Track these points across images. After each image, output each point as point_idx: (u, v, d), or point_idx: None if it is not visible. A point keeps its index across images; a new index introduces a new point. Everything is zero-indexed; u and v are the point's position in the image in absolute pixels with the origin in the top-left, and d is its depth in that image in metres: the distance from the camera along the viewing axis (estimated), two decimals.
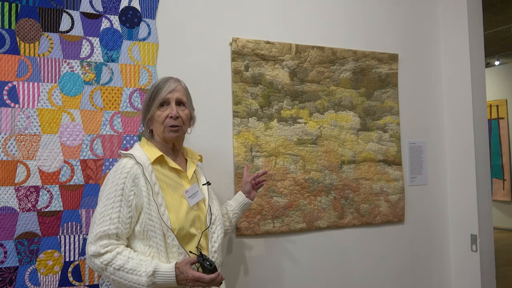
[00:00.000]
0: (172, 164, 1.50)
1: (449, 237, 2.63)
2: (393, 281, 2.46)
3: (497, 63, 6.83)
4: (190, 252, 1.41)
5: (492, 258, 2.52)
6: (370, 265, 2.40)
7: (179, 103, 1.51)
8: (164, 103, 1.49)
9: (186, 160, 1.62)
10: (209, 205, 1.54)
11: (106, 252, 1.34)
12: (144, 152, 1.47)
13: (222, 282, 1.39)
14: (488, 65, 6.82)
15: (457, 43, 2.58)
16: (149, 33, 1.97)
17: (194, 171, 1.60)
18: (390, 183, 2.45)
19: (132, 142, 1.91)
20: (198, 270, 1.37)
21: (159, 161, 1.48)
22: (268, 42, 2.18)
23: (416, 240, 2.54)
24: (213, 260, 1.46)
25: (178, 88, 1.51)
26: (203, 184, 1.59)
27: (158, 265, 1.34)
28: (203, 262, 1.35)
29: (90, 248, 1.35)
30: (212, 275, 1.32)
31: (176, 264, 1.35)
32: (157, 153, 1.47)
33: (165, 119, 1.48)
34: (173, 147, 1.56)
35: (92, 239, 1.36)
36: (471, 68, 2.51)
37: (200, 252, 1.38)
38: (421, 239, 2.56)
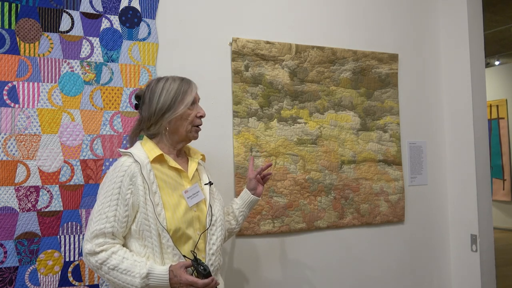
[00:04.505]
0: (172, 163, 1.49)
1: (449, 237, 2.63)
2: (393, 281, 2.46)
3: (497, 63, 6.82)
4: (185, 256, 1.40)
5: (492, 258, 2.52)
6: (370, 265, 2.40)
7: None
8: (194, 102, 1.53)
9: (188, 159, 1.60)
10: (209, 206, 1.52)
11: (101, 251, 1.34)
12: (144, 150, 1.46)
13: (216, 287, 1.39)
14: (488, 65, 6.81)
15: (457, 43, 2.58)
16: (149, 33, 1.97)
17: (196, 170, 1.58)
18: (390, 183, 2.45)
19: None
20: (192, 274, 1.36)
21: (159, 160, 1.47)
22: (268, 42, 2.18)
23: (416, 240, 2.54)
24: (210, 262, 1.45)
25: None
26: (205, 184, 1.58)
27: (152, 267, 1.33)
28: (197, 267, 1.34)
29: (86, 246, 1.35)
30: (206, 280, 1.32)
31: (170, 267, 1.34)
32: (157, 151, 1.46)
33: (194, 118, 1.52)
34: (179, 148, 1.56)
35: (88, 237, 1.36)
36: (471, 68, 2.51)
37: (195, 257, 1.38)
38: (421, 239, 2.56)
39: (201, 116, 1.54)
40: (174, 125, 1.49)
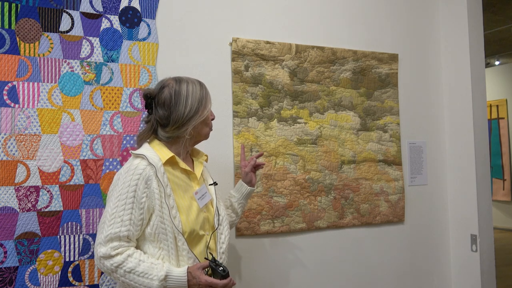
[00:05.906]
0: (183, 165, 1.48)
1: (449, 237, 2.63)
2: (393, 281, 2.46)
3: (497, 63, 6.82)
4: (206, 258, 1.42)
5: (492, 258, 2.52)
6: (370, 265, 2.40)
7: None
8: None
9: (192, 160, 1.61)
10: (216, 207, 1.54)
11: (117, 254, 1.33)
12: (155, 152, 1.44)
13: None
14: (488, 65, 6.82)
15: (457, 43, 2.58)
16: (149, 33, 1.97)
17: (201, 171, 1.59)
18: (390, 183, 2.45)
19: (132, 142, 1.91)
20: (207, 274, 1.38)
21: (170, 162, 1.46)
22: (268, 42, 2.18)
23: (416, 240, 2.54)
24: (221, 261, 1.46)
25: None
26: (209, 184, 1.59)
27: (170, 269, 1.33)
28: (216, 268, 1.35)
29: (100, 250, 1.33)
30: (225, 281, 1.33)
31: (188, 268, 1.35)
32: (168, 153, 1.45)
33: (210, 121, 1.55)
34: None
35: (102, 240, 1.34)
36: (471, 68, 2.51)
37: (213, 257, 1.39)
38: (421, 239, 2.56)
39: (213, 119, 1.56)
40: (197, 128, 1.49)
